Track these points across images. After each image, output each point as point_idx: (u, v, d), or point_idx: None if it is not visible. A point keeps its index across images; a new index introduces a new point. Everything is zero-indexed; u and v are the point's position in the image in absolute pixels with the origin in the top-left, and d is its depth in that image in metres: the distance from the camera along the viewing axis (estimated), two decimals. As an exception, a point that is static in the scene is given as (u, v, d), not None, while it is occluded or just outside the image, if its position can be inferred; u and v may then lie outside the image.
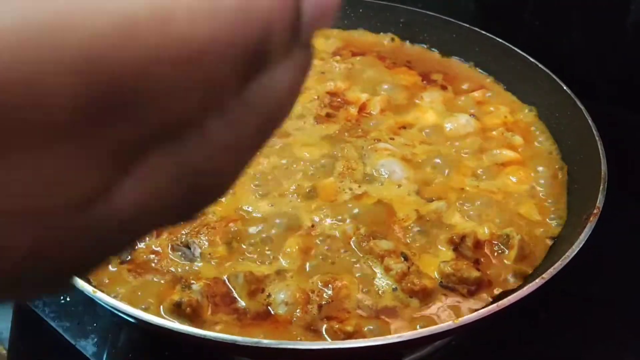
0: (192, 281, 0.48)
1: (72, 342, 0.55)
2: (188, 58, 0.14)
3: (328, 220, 0.55)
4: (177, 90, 0.14)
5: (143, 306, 0.47)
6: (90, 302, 0.56)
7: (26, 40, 0.12)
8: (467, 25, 0.77)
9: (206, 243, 0.52)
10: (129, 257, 0.51)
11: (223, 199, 0.56)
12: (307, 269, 0.50)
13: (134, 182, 0.15)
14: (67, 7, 0.13)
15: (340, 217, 0.55)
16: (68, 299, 0.57)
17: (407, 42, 0.81)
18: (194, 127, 0.16)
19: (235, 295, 0.48)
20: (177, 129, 0.15)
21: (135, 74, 0.13)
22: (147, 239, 0.53)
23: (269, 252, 0.51)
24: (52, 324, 0.56)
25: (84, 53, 0.13)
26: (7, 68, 0.12)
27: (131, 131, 0.14)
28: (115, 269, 0.50)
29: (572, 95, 0.64)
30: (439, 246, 0.53)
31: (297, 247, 0.52)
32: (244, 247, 0.52)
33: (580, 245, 0.48)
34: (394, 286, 0.49)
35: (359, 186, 0.58)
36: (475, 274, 0.50)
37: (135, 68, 0.13)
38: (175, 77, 0.14)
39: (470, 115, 0.68)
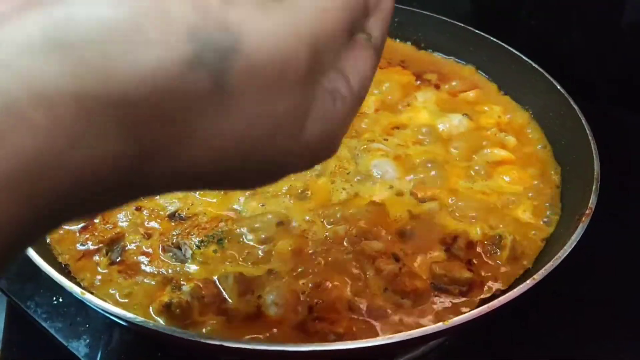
0: (183, 282, 0.48)
1: (64, 343, 0.55)
2: (337, 30, 0.26)
3: (320, 221, 0.54)
4: (337, 43, 0.26)
5: (133, 307, 0.47)
6: (83, 303, 0.56)
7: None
8: (462, 25, 0.76)
9: (197, 244, 0.52)
10: (120, 258, 0.51)
11: (214, 199, 0.56)
12: (298, 270, 0.50)
13: (317, 108, 0.26)
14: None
15: (332, 218, 0.55)
16: (60, 300, 0.57)
17: (402, 42, 0.81)
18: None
19: (225, 296, 0.48)
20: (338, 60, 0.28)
21: (325, 43, 0.25)
22: (139, 240, 0.52)
23: (259, 253, 0.51)
24: (44, 324, 0.56)
25: (309, 39, 0.24)
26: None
27: (321, 70, 0.26)
28: (106, 270, 0.50)
29: (566, 95, 0.64)
30: (431, 247, 0.53)
31: (288, 248, 0.51)
32: (235, 247, 0.52)
33: (573, 246, 0.48)
34: (385, 287, 0.49)
35: (352, 186, 0.58)
36: (466, 274, 0.50)
37: (324, 41, 0.25)
38: (337, 38, 0.26)
39: (463, 115, 0.68)
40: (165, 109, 0.21)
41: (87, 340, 0.55)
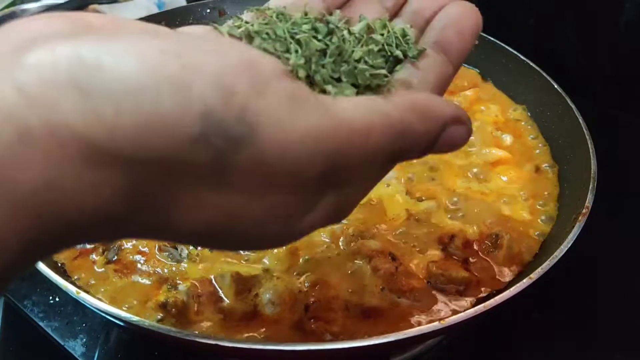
0: (179, 281, 0.48)
1: (61, 342, 0.54)
2: (367, 155, 0.25)
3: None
4: (361, 166, 0.25)
5: (127, 306, 0.47)
6: (79, 302, 0.56)
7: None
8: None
9: (193, 243, 0.52)
10: (116, 257, 0.51)
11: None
12: (295, 269, 0.50)
13: (320, 209, 0.26)
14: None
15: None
16: (57, 299, 0.57)
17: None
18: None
19: (222, 296, 0.48)
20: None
21: (346, 162, 0.24)
22: (134, 240, 0.52)
23: (256, 252, 0.51)
24: (41, 324, 0.56)
25: (330, 153, 0.23)
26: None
27: (335, 183, 0.25)
28: (102, 269, 0.50)
29: (563, 94, 0.64)
30: (428, 246, 0.53)
31: (284, 247, 0.51)
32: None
33: (569, 245, 0.48)
34: (381, 286, 0.49)
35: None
36: (463, 274, 0.50)
37: (347, 161, 0.24)
38: (363, 162, 0.25)
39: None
40: (161, 175, 0.22)
41: (84, 340, 0.55)
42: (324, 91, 0.27)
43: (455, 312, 0.48)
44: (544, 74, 0.67)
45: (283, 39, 0.28)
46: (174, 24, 0.79)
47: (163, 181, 0.22)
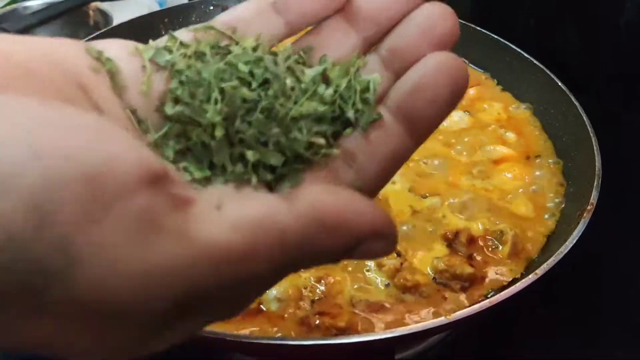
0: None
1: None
2: (231, 281, 0.19)
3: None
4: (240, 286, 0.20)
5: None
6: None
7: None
8: (462, 22, 0.76)
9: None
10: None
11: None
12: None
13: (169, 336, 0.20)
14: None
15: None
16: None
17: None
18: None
19: (227, 291, 0.48)
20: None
21: (204, 293, 0.19)
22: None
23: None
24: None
25: (181, 289, 0.18)
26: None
27: (191, 318, 0.20)
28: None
29: (567, 92, 0.64)
30: (433, 242, 0.53)
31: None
32: None
33: (574, 242, 0.48)
34: (386, 282, 0.49)
35: (353, 182, 0.58)
36: (468, 270, 0.50)
37: (202, 292, 0.19)
38: (235, 282, 0.19)
39: (464, 111, 0.68)
40: None
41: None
42: (242, 156, 0.22)
43: (460, 308, 0.48)
44: (548, 72, 0.67)
45: (207, 84, 0.23)
46: (176, 22, 0.79)
47: None
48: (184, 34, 0.25)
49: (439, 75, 0.23)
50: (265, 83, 0.23)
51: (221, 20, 0.25)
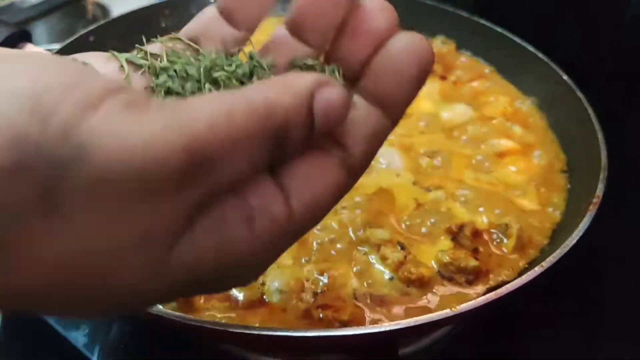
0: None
1: (63, 333, 0.54)
2: (235, 142, 0.21)
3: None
4: (232, 160, 0.21)
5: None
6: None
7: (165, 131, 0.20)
8: (467, 15, 0.76)
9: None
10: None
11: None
12: (303, 258, 0.49)
13: (199, 234, 0.21)
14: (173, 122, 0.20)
15: (337, 206, 0.54)
16: (59, 289, 0.56)
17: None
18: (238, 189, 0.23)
19: (229, 283, 0.47)
20: (230, 187, 0.22)
21: (212, 151, 0.20)
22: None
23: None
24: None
25: (188, 143, 0.20)
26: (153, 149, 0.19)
27: (201, 189, 0.21)
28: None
29: (572, 85, 0.64)
30: (437, 235, 0.53)
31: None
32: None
33: (580, 235, 0.47)
34: (390, 275, 0.49)
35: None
36: (473, 263, 0.49)
37: (211, 148, 0.20)
38: (232, 152, 0.21)
39: (468, 105, 0.67)
40: None
41: (87, 331, 0.54)
42: None
43: (464, 301, 0.47)
44: (553, 65, 0.67)
45: (195, 78, 0.25)
46: (177, 14, 0.79)
47: None
48: (151, 46, 0.28)
49: (406, 56, 0.25)
50: (251, 76, 0.26)
51: (184, 31, 0.30)
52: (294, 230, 0.24)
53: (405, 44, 0.25)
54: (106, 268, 0.20)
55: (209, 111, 0.20)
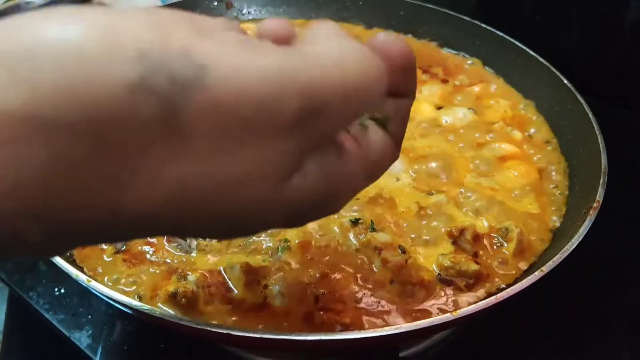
0: (188, 272, 0.48)
1: (67, 334, 0.54)
2: (346, 93, 0.22)
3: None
4: (340, 110, 0.23)
5: (137, 296, 0.46)
6: (85, 293, 0.56)
7: (281, 76, 0.20)
8: (468, 19, 0.76)
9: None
10: (124, 247, 0.51)
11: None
12: (305, 261, 0.49)
13: (309, 170, 0.23)
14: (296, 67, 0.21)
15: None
16: (62, 290, 0.57)
17: (407, 35, 0.80)
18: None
19: (231, 287, 0.47)
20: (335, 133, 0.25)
21: (324, 100, 0.21)
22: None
23: (266, 244, 0.51)
24: (46, 315, 0.55)
25: (303, 88, 0.21)
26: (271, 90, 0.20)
27: (314, 132, 0.22)
28: (111, 259, 0.50)
29: (572, 89, 0.64)
30: (438, 239, 0.53)
31: (296, 240, 0.51)
32: (241, 238, 0.51)
33: (580, 239, 0.47)
34: (391, 279, 0.49)
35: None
36: (473, 267, 0.49)
37: (324, 97, 0.21)
38: (342, 103, 0.22)
39: (469, 109, 0.67)
40: (96, 142, 0.18)
41: (90, 332, 0.54)
42: None
43: (465, 304, 0.47)
44: (553, 69, 0.67)
45: None
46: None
47: (100, 149, 0.18)
48: None
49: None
50: None
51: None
52: (361, 184, 0.28)
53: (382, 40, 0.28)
54: (223, 194, 0.21)
55: (322, 61, 0.22)
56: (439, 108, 0.68)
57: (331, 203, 0.26)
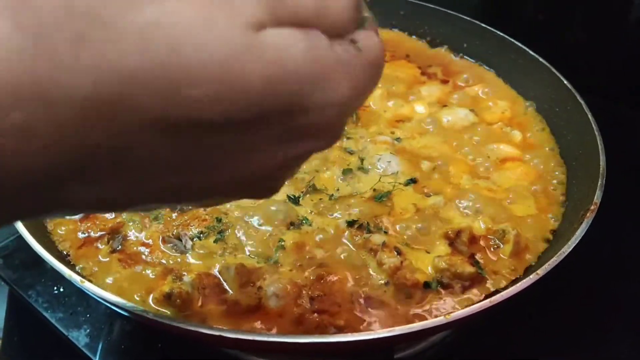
0: (183, 273, 0.48)
1: (65, 332, 0.54)
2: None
3: (324, 214, 0.54)
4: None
5: (133, 297, 0.47)
6: (84, 293, 0.56)
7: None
8: (468, 19, 0.76)
9: (197, 235, 0.51)
10: (120, 246, 0.51)
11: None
12: (300, 262, 0.49)
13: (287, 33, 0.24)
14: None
15: (335, 211, 0.54)
16: (62, 289, 0.57)
17: (407, 35, 0.80)
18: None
19: (226, 288, 0.48)
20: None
21: (286, 102, 0.24)
22: (139, 230, 0.52)
23: (261, 245, 0.51)
24: (45, 314, 0.56)
25: (265, 91, 0.23)
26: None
27: (278, 128, 0.25)
28: (107, 258, 0.50)
29: (572, 90, 0.64)
30: (435, 241, 0.53)
31: (291, 241, 0.51)
32: (236, 239, 0.51)
33: (577, 241, 0.47)
34: (386, 280, 0.49)
35: (357, 179, 0.58)
36: (469, 269, 0.49)
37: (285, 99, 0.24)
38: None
39: (469, 110, 0.67)
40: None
41: (88, 330, 0.55)
42: None
43: (460, 307, 0.47)
44: (554, 70, 0.67)
45: None
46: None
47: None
48: None
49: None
50: None
51: None
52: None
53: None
54: (190, 37, 0.22)
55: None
56: (439, 108, 0.68)
57: (319, 88, 0.25)
